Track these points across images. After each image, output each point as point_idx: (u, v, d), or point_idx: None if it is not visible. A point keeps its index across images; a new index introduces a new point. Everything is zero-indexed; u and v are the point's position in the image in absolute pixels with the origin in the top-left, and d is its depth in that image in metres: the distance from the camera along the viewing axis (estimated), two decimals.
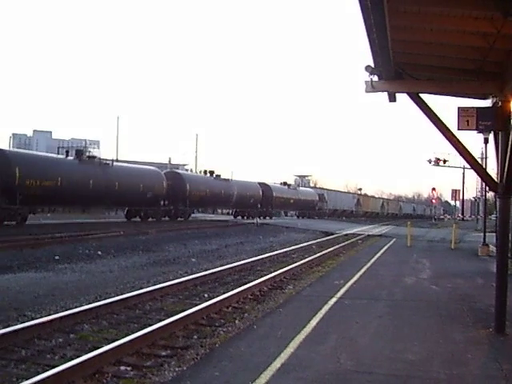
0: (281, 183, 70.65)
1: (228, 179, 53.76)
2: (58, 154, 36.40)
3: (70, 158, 34.12)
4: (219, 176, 52.34)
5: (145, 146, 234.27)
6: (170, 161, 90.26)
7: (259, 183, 62.38)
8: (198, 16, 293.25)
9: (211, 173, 51.76)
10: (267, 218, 58.40)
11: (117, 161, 42.28)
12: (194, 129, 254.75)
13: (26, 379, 5.71)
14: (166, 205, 42.92)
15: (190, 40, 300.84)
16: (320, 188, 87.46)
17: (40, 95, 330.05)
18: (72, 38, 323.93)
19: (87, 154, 36.51)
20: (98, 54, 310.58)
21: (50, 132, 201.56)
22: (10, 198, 27.81)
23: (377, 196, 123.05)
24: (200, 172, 54.97)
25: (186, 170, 79.35)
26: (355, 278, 14.13)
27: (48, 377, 5.73)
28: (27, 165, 29.23)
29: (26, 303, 10.30)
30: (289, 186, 70.77)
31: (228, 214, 62.03)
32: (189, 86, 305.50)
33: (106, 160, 37.58)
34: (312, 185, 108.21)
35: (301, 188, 76.57)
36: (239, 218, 56.18)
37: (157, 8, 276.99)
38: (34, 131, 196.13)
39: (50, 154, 36.12)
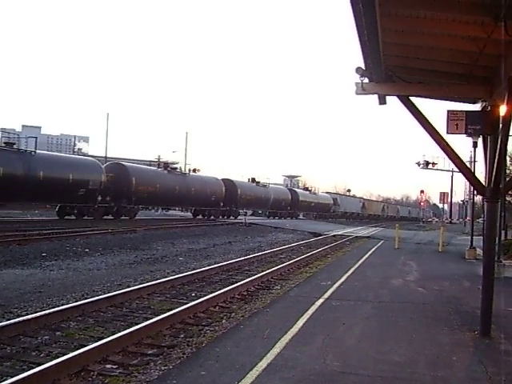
0: (303, 188, 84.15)
1: (266, 185, 66.51)
2: (48, 150, 41.57)
3: (160, 169, 46.28)
4: (259, 182, 64.81)
5: (134, 142, 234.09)
6: (159, 159, 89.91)
7: (289, 189, 77.08)
8: (191, 13, 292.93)
9: (253, 180, 64.09)
10: (293, 218, 68.34)
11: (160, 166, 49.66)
12: (183, 127, 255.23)
13: (11, 377, 5.67)
14: (223, 206, 53.91)
15: (183, 38, 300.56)
16: (334, 193, 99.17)
17: (29, 90, 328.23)
18: (63, 33, 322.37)
19: (77, 149, 43.59)
20: (88, 50, 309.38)
21: (40, 127, 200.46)
22: (128, 199, 39.61)
23: (378, 200, 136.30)
24: (196, 171, 60.05)
25: (176, 168, 79.28)
26: (342, 279, 14.15)
27: (33, 374, 5.69)
28: (139, 175, 40.96)
29: (12, 300, 10.24)
30: (309, 191, 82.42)
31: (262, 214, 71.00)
32: (179, 84, 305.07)
33: (184, 171, 50.65)
34: (301, 185, 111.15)
35: (319, 193, 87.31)
36: (271, 218, 65.89)
37: (148, 5, 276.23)
38: (23, 126, 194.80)
39: (151, 167, 47.82)
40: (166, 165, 46.79)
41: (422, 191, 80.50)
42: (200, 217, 51.82)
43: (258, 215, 67.68)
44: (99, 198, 36.64)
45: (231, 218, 54.17)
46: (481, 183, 9.08)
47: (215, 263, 17.03)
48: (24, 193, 31.26)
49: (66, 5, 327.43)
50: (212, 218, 51.13)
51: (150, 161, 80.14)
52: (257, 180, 64.67)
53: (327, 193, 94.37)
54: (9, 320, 8.29)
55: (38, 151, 33.54)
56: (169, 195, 44.80)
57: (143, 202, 43.66)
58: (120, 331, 7.86)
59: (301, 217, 77.10)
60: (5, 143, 32.49)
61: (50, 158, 35.03)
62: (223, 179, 55.96)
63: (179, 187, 45.64)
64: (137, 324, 8.37)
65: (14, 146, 32.52)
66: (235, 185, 56.91)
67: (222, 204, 53.40)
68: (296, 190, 77.85)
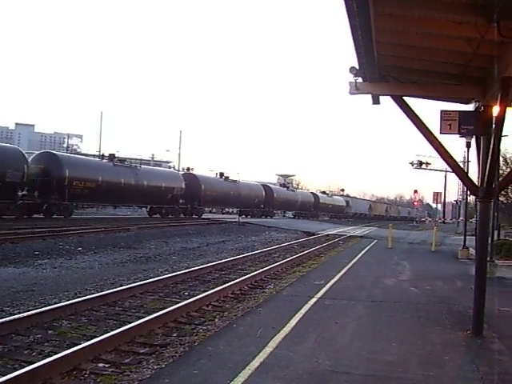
0: (321, 192, 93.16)
1: (294, 189, 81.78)
2: (41, 148, 44.93)
3: (218, 177, 58.19)
4: (289, 187, 79.68)
5: (128, 140, 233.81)
6: (152, 157, 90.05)
7: (312, 193, 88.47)
8: (186, 12, 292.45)
9: (283, 185, 79.61)
10: (315, 218, 75.97)
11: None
12: (177, 125, 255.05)
13: (3, 375, 5.65)
14: (263, 207, 65.93)
15: (179, 37, 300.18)
16: (346, 196, 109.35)
17: (23, 88, 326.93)
18: (58, 32, 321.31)
19: (70, 147, 47.90)
20: (82, 48, 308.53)
21: (33, 125, 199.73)
22: (198, 201, 51.09)
23: (382, 202, 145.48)
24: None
25: (170, 167, 79.45)
26: (336, 279, 14.17)
27: (25, 373, 5.67)
28: (206, 183, 52.71)
29: (4, 298, 10.20)
30: (327, 194, 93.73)
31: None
32: (174, 83, 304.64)
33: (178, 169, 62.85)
34: (295, 185, 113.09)
35: (335, 196, 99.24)
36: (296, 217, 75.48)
37: (143, 4, 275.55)
38: (17, 124, 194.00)
39: (212, 176, 59.25)
40: (222, 173, 58.60)
41: (415, 191, 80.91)
42: (244, 216, 59.77)
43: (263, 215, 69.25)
44: (180, 201, 48.31)
45: (268, 217, 64.40)
46: (474, 183, 9.10)
47: (208, 262, 17.01)
48: (134, 197, 42.20)
49: (61, 3, 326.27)
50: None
51: (143, 159, 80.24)
52: (286, 185, 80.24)
53: (341, 195, 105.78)
54: (1, 318, 8.24)
55: (142, 166, 45.70)
56: (226, 198, 57.02)
57: (208, 204, 57.20)
58: (112, 330, 7.84)
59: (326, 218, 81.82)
60: (119, 160, 42.27)
61: (150, 171, 47.48)
62: (262, 184, 68.68)
63: (233, 192, 57.77)
64: (129, 323, 8.35)
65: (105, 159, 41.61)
66: (271, 189, 69.36)
67: (262, 206, 65.26)
68: (317, 193, 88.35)
